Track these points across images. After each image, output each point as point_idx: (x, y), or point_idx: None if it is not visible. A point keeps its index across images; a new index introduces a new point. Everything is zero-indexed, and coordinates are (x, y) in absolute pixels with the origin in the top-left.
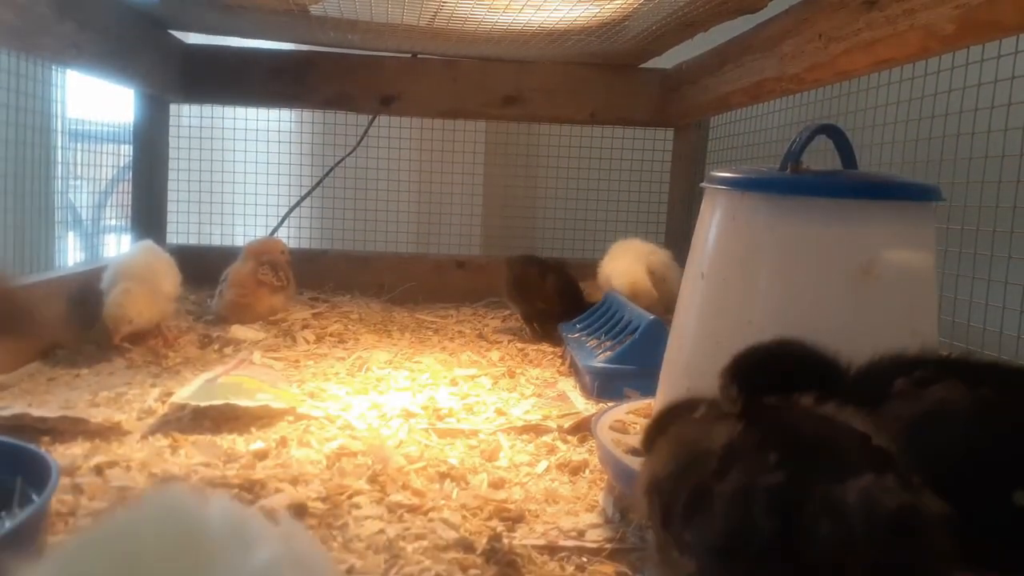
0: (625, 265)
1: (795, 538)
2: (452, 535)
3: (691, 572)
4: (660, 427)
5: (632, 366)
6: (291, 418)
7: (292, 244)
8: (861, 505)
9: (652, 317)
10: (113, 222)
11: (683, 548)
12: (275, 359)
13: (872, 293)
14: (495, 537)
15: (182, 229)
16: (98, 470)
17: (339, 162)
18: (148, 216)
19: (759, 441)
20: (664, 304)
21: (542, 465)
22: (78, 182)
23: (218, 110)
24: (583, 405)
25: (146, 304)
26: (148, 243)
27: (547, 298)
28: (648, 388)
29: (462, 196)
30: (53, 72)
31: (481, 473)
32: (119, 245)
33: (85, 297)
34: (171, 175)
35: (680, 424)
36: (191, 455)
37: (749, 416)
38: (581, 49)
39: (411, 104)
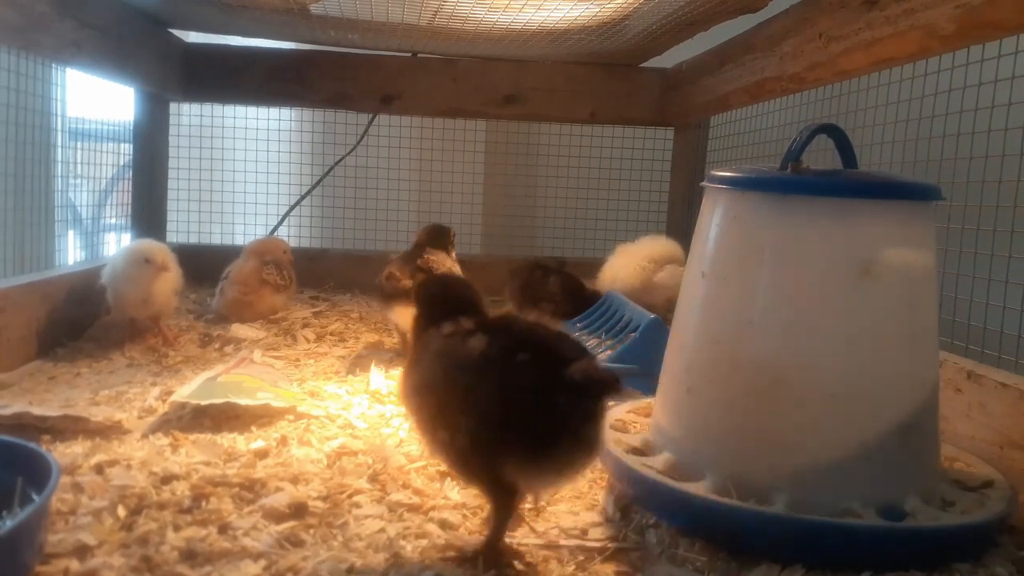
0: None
1: (544, 406)
2: (452, 534)
3: (462, 445)
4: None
5: (632, 365)
6: (291, 417)
7: (292, 243)
8: (581, 378)
9: (652, 316)
10: (113, 221)
11: (456, 430)
12: (275, 358)
13: (872, 292)
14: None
15: (182, 228)
16: (99, 469)
17: (339, 161)
18: (148, 215)
19: (508, 340)
20: (665, 306)
21: None
22: (78, 181)
23: (218, 109)
24: None
25: (159, 288)
26: (147, 240)
27: (552, 300)
28: (648, 387)
29: (462, 195)
30: (53, 70)
31: None
32: (119, 244)
33: (85, 296)
34: (171, 174)
35: (435, 341)
36: (192, 454)
37: (488, 330)
38: (581, 48)
39: (411, 103)
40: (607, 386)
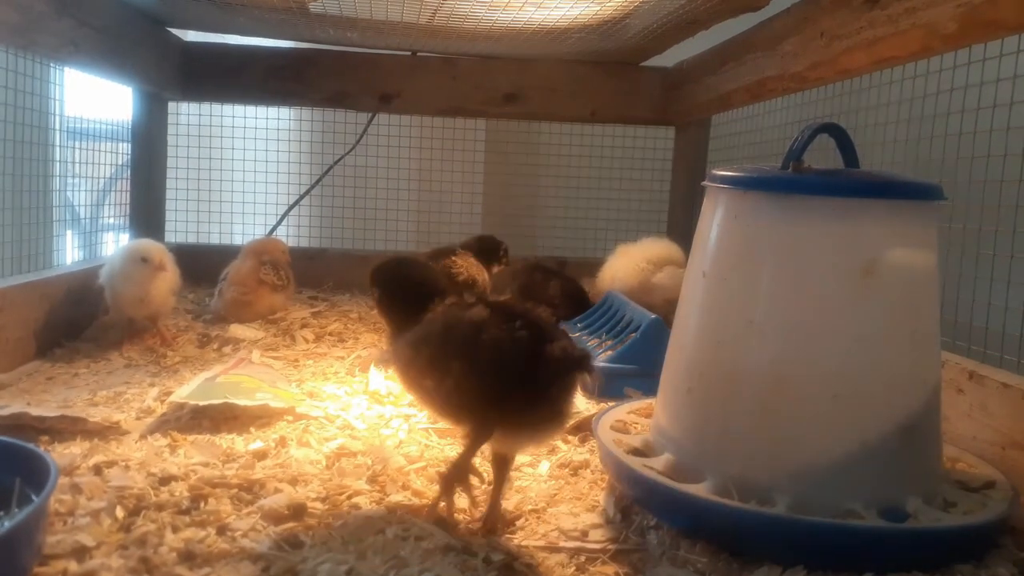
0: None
1: (530, 367)
2: (452, 535)
3: (447, 387)
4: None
5: (633, 365)
6: (290, 417)
7: (291, 243)
8: (560, 353)
9: (653, 316)
10: (111, 220)
11: (445, 374)
12: (274, 358)
13: (874, 292)
14: (495, 538)
15: (180, 228)
16: (97, 469)
17: (338, 160)
18: (146, 214)
19: (506, 316)
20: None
21: (543, 465)
22: (76, 180)
23: (217, 108)
24: (584, 405)
25: (156, 288)
26: (145, 240)
27: (552, 304)
28: (649, 388)
29: (462, 195)
30: (51, 70)
31: (482, 473)
32: (117, 243)
33: (83, 296)
34: (169, 173)
35: (442, 308)
36: (190, 454)
37: (489, 305)
38: (582, 47)
39: (411, 102)
40: (579, 363)
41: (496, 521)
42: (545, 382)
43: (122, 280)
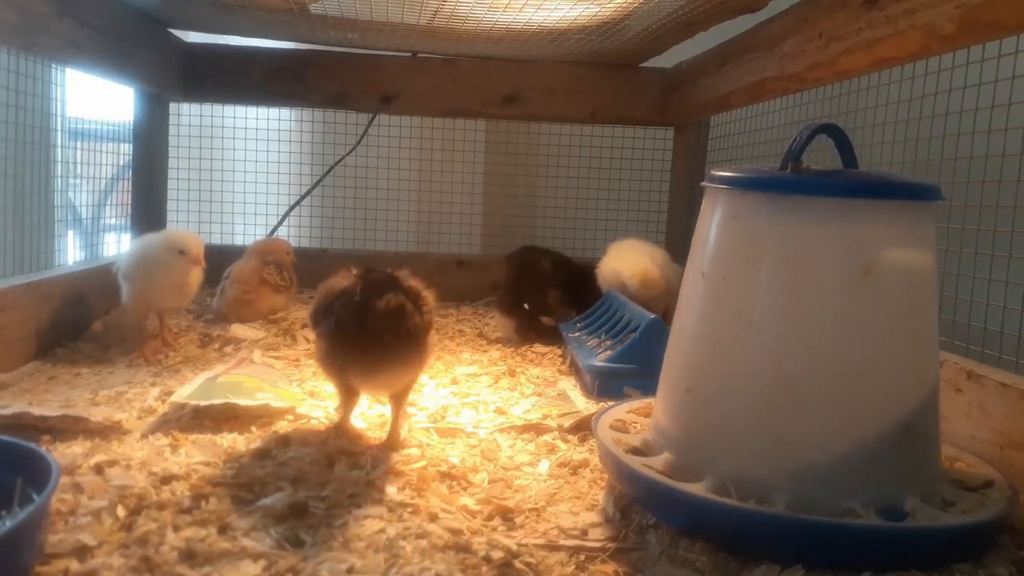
0: (632, 258)
1: (363, 321)
2: (452, 534)
3: (324, 349)
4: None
5: (632, 365)
6: (291, 417)
7: (292, 243)
8: (384, 307)
9: (652, 316)
10: (113, 221)
11: (321, 336)
12: (275, 358)
13: (872, 292)
14: (495, 537)
15: (182, 228)
16: (98, 469)
17: (339, 161)
18: (148, 215)
19: (356, 286)
20: (664, 303)
21: (543, 464)
22: (78, 181)
23: (218, 109)
24: (583, 404)
25: (194, 280)
26: (184, 231)
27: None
28: (648, 387)
29: (462, 195)
30: (53, 71)
31: (481, 472)
32: (119, 244)
33: (85, 296)
34: (171, 174)
35: (327, 281)
36: (191, 454)
37: (361, 275)
38: (581, 48)
39: (411, 103)
40: (399, 310)
41: (396, 441)
42: (377, 331)
43: (159, 269)
